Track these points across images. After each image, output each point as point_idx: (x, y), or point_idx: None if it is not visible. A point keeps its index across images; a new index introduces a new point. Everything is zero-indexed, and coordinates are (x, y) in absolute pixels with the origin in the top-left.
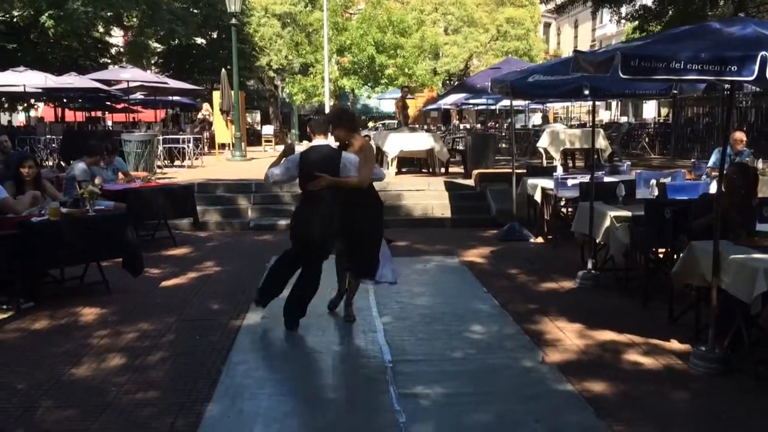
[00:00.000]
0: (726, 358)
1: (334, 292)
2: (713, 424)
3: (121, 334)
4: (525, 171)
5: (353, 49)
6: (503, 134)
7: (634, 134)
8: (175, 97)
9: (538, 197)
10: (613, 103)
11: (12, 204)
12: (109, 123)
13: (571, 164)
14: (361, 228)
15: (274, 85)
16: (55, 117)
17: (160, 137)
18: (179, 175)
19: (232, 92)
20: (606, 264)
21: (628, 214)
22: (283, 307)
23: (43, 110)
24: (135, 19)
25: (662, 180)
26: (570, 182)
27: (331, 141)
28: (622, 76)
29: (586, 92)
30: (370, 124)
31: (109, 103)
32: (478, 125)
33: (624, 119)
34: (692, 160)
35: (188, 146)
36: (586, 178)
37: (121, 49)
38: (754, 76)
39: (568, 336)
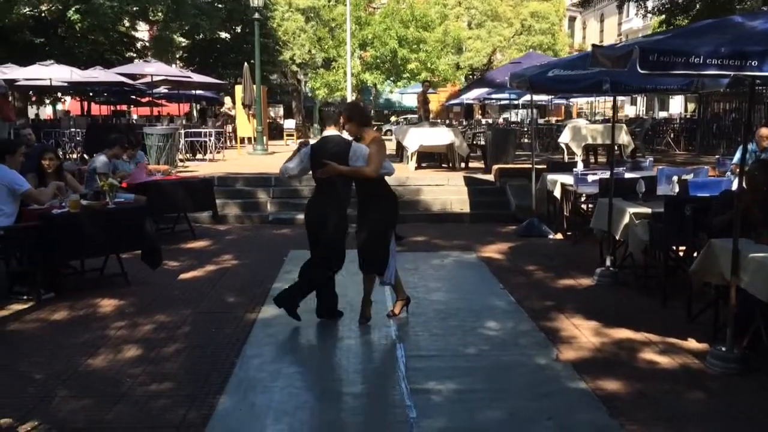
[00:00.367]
0: (744, 357)
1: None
2: (730, 424)
3: (138, 326)
4: (545, 167)
5: (376, 44)
6: (525, 129)
7: (658, 130)
8: (198, 91)
9: (557, 193)
10: (639, 98)
11: (36, 195)
12: (135, 116)
13: (593, 160)
14: (371, 222)
15: (297, 79)
16: (81, 110)
17: (182, 131)
18: (200, 168)
19: (255, 86)
20: (625, 261)
21: (648, 210)
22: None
23: (69, 104)
24: (160, 14)
25: (684, 176)
26: (590, 178)
27: (344, 132)
28: (639, 70)
29: (606, 87)
30: (393, 119)
31: (134, 96)
32: (500, 120)
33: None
34: (717, 156)
35: (210, 140)
36: (607, 174)
37: (147, 44)
38: None
39: (583, 333)
